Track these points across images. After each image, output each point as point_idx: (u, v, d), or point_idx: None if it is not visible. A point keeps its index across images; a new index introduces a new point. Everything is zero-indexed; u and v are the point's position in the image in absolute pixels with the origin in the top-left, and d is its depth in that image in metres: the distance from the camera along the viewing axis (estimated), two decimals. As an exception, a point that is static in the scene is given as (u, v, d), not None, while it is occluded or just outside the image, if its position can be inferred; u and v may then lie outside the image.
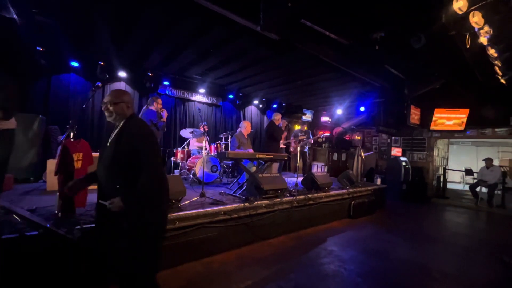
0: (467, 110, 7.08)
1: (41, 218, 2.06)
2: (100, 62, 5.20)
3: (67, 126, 2.63)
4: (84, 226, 2.11)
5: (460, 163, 10.51)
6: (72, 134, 2.56)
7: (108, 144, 1.59)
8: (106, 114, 1.62)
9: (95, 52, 4.98)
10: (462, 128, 7.18)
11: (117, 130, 1.61)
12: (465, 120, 7.14)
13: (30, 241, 1.84)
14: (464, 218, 5.67)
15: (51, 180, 3.65)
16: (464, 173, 9.41)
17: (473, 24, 3.10)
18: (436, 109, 7.46)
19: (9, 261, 1.71)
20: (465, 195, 8.33)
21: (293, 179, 5.03)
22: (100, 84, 3.05)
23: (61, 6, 3.50)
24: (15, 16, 3.69)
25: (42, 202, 2.90)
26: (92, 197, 2.96)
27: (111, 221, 1.52)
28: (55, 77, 5.12)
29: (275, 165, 5.66)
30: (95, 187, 3.39)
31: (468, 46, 3.46)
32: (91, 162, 2.63)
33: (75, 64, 5.18)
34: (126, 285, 1.53)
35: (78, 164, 2.44)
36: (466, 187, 8.60)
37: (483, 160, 7.17)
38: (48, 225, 1.83)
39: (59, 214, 2.33)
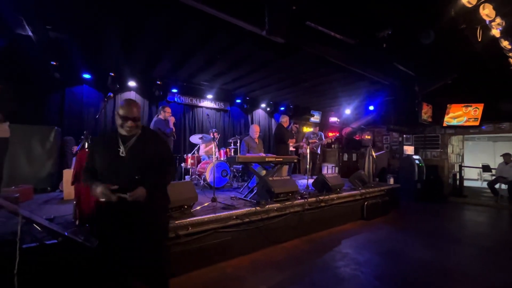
0: (482, 105, 6.86)
1: (59, 226, 2.13)
2: (110, 73, 5.36)
3: (82, 137, 2.72)
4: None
5: (476, 160, 10.15)
6: (86, 144, 2.64)
7: (123, 154, 1.64)
8: (129, 128, 1.65)
9: (106, 63, 5.14)
10: (477, 123, 6.95)
11: (134, 139, 1.69)
12: (480, 115, 6.91)
13: (50, 249, 1.89)
14: (484, 217, 5.46)
15: (68, 189, 3.76)
16: (481, 170, 9.09)
17: (484, 17, 3.03)
18: (448, 105, 7.26)
19: (30, 270, 1.76)
20: (483, 193, 8.02)
21: (304, 181, 4.98)
22: (111, 95, 3.15)
23: (73, 22, 3.64)
24: (30, 33, 3.87)
25: (60, 211, 2.99)
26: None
27: (132, 220, 1.62)
28: (69, 90, 5.30)
29: (285, 168, 5.63)
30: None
31: (479, 39, 3.37)
32: (105, 171, 2.69)
33: (87, 76, 5.35)
34: (153, 284, 1.66)
35: (93, 173, 2.50)
36: (485, 184, 8.29)
37: (501, 155, 6.90)
38: (66, 233, 1.88)
39: (76, 222, 2.40)
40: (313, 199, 3.92)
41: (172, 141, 4.63)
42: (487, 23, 3.19)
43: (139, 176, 1.61)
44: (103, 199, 1.52)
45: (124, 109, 1.65)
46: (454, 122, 7.29)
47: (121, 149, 1.65)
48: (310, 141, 6.42)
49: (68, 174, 3.75)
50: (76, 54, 4.62)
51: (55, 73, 4.81)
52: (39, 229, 1.70)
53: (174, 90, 6.45)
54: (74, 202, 2.44)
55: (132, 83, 5.83)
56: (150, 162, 1.69)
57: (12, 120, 2.83)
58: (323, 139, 6.85)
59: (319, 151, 7.02)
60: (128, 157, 1.64)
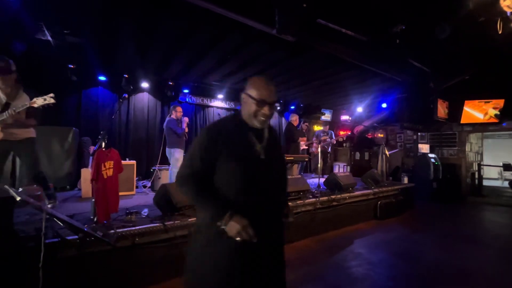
0: (502, 101, 6.56)
1: (80, 223, 2.22)
2: (124, 75, 5.50)
3: (99, 137, 2.82)
4: (118, 230, 2.23)
5: (497, 158, 9.73)
6: (103, 143, 2.73)
7: (261, 153, 1.11)
8: (264, 118, 1.11)
9: (120, 66, 5.29)
10: (497, 120, 6.66)
11: (267, 135, 1.18)
12: (500, 111, 6.61)
13: (71, 244, 1.98)
14: (505, 218, 5.23)
15: (86, 188, 3.91)
16: (502, 168, 8.71)
17: (505, 8, 2.89)
18: (466, 101, 6.99)
19: (52, 264, 1.84)
20: (504, 193, 7.67)
21: (315, 180, 4.94)
22: (126, 96, 3.25)
23: (89, 26, 3.77)
24: (49, 38, 4.04)
25: (79, 208, 3.12)
26: (123, 203, 3.13)
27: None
28: (85, 92, 5.49)
29: (296, 167, 5.61)
30: (127, 193, 3.56)
31: (500, 32, 3.22)
32: (121, 170, 2.77)
33: (102, 78, 5.53)
34: None
35: (110, 172, 2.59)
36: (506, 184, 7.93)
37: (524, 153, 6.59)
38: (86, 229, 1.96)
39: (94, 219, 2.49)
40: (325, 198, 3.88)
41: (184, 142, 4.65)
42: (508, 14, 3.05)
43: (285, 193, 1.20)
44: (238, 238, 0.98)
45: (261, 90, 1.08)
46: (473, 119, 7.01)
47: (258, 149, 1.10)
48: (321, 138, 6.35)
49: (86, 173, 3.90)
50: (92, 57, 4.77)
51: (72, 76, 4.99)
52: (61, 224, 1.78)
53: (186, 91, 6.55)
54: (93, 200, 2.54)
55: (145, 84, 5.97)
56: (285, 171, 1.25)
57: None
58: (333, 137, 6.78)
59: (329, 150, 6.95)
60: (268, 162, 1.12)
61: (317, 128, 8.95)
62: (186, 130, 4.58)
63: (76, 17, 3.53)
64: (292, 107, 8.56)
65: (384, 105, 7.93)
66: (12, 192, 1.47)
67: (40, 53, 4.48)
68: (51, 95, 2.41)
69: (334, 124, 9.91)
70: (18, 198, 1.42)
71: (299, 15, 3.13)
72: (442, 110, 6.88)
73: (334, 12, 3.40)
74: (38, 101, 2.31)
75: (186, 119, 4.63)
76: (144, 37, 4.07)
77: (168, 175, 4.74)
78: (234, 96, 7.44)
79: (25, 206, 1.80)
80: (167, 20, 3.57)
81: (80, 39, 4.12)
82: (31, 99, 2.42)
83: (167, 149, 4.52)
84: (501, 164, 8.11)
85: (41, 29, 3.81)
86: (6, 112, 2.27)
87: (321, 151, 5.26)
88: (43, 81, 4.85)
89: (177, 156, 4.43)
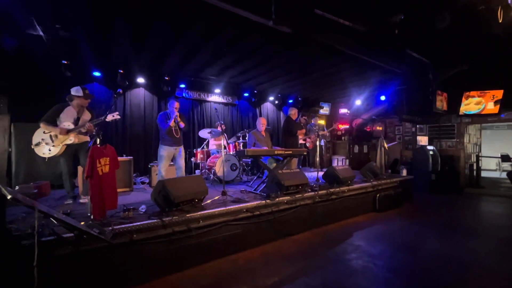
0: (501, 91, 6.54)
1: (75, 220, 2.19)
2: (119, 70, 5.41)
3: (93, 133, 2.77)
4: (115, 227, 2.21)
5: (495, 149, 9.76)
6: (98, 140, 2.69)
7: None
8: None
9: (115, 60, 5.19)
10: (496, 111, 6.64)
11: None
12: (499, 102, 6.59)
13: (67, 242, 1.95)
14: (503, 208, 5.26)
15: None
16: (500, 159, 8.75)
17: (506, -4, 2.83)
18: (465, 93, 6.96)
19: (48, 263, 1.81)
20: (502, 184, 7.73)
21: (313, 174, 4.93)
22: (121, 91, 3.18)
23: (82, 20, 3.68)
24: (41, 33, 3.94)
25: (75, 205, 3.08)
26: (120, 200, 3.10)
27: None
28: (80, 88, 5.40)
29: (295, 161, 5.59)
30: (124, 189, 3.53)
31: (500, 21, 3.17)
32: (117, 166, 2.73)
33: (97, 74, 5.43)
34: None
35: (106, 168, 2.55)
36: (504, 175, 7.97)
37: (522, 144, 6.60)
38: (81, 227, 1.94)
39: (91, 216, 2.46)
40: (324, 191, 3.87)
41: (176, 139, 4.12)
42: (509, 2, 2.99)
43: None
44: None
45: None
46: (471, 111, 6.99)
47: None
48: (321, 133, 6.34)
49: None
50: (86, 52, 4.67)
51: (66, 72, 4.89)
52: (56, 222, 1.75)
53: (182, 85, 6.47)
54: (89, 197, 2.51)
55: (140, 80, 5.88)
56: None
57: (29, 119, 2.96)
58: (325, 129, 6.82)
59: (322, 143, 6.95)
60: None
61: (320, 122, 8.90)
62: (183, 125, 4.12)
63: (68, 10, 3.44)
64: (290, 101, 8.50)
65: (382, 98, 7.89)
66: (3, 190, 1.44)
67: (32, 48, 4.37)
68: (117, 112, 3.17)
69: (332, 118, 9.86)
70: (8, 196, 1.39)
71: (295, 5, 3.06)
72: (440, 102, 6.85)
73: (331, 1, 3.32)
74: (109, 117, 3.04)
75: (177, 113, 4.04)
76: (139, 31, 3.98)
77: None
78: (231, 90, 7.36)
79: (18, 204, 1.76)
80: (162, 12, 3.48)
81: (73, 34, 4.02)
82: (91, 114, 3.21)
83: None
84: (499, 155, 8.12)
85: (32, 23, 3.71)
86: (86, 124, 3.01)
87: (315, 145, 5.25)
88: (37, 77, 4.76)
89: (161, 154, 4.04)
